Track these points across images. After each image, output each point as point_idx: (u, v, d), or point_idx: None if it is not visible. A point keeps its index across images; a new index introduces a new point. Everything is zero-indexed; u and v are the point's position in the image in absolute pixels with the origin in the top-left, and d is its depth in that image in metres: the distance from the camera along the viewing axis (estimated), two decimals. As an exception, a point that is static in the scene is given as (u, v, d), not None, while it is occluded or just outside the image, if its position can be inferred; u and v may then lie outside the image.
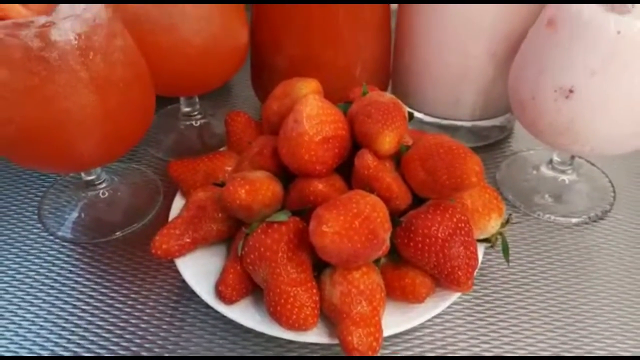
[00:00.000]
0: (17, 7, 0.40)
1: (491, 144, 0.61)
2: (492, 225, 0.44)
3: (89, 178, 0.53)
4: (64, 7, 0.41)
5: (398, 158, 0.43)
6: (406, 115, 0.43)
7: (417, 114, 0.61)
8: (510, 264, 0.49)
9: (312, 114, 0.41)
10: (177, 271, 0.44)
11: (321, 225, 0.35)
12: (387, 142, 0.40)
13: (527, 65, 0.48)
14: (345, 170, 0.43)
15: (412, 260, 0.40)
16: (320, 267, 0.40)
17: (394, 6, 0.58)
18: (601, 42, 0.42)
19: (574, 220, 0.53)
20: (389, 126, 0.40)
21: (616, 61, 0.42)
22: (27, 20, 0.39)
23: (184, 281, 0.43)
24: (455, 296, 0.42)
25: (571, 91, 0.44)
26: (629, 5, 0.43)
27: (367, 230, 0.36)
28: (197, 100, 0.62)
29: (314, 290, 0.39)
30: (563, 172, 0.55)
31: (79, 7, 0.41)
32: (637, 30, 0.41)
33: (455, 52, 0.54)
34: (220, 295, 0.41)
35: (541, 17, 0.47)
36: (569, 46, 0.44)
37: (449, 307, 0.42)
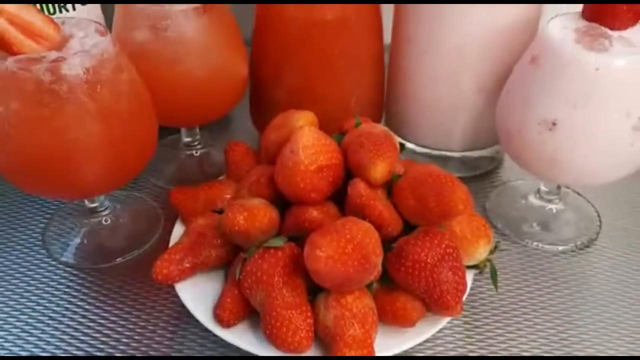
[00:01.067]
0: (30, 43, 0.42)
1: (481, 174, 0.63)
2: (481, 252, 0.46)
3: (92, 205, 0.55)
4: (74, 43, 0.44)
5: (390, 187, 0.44)
6: (397, 145, 0.45)
7: (409, 145, 0.63)
8: (500, 290, 0.50)
9: (307, 144, 0.43)
10: (176, 296, 0.45)
11: (315, 250, 0.37)
12: (379, 171, 0.42)
13: (513, 100, 0.51)
14: (339, 198, 0.45)
15: (403, 284, 0.42)
16: (315, 291, 0.42)
17: (387, 41, 0.61)
18: (581, 78, 0.45)
19: (561, 248, 0.54)
20: (381, 156, 0.42)
21: (595, 96, 0.45)
22: (40, 55, 0.42)
23: (183, 305, 0.44)
24: (445, 320, 0.43)
25: (554, 124, 0.47)
26: (607, 43, 0.45)
27: (360, 255, 0.38)
28: (197, 131, 0.64)
29: (309, 314, 0.41)
30: (550, 201, 0.57)
31: (89, 43, 0.44)
32: (614, 67, 0.44)
33: (446, 86, 0.57)
34: (218, 318, 0.43)
35: (526, 55, 0.50)
36: (551, 82, 0.46)
37: (439, 331, 0.43)
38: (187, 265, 0.45)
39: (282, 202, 0.46)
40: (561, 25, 0.48)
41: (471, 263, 0.46)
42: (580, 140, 0.46)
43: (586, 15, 0.48)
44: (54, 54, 0.42)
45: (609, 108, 0.45)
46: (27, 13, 0.42)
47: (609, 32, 0.46)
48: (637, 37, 0.46)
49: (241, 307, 0.43)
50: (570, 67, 0.45)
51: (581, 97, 0.45)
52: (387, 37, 0.61)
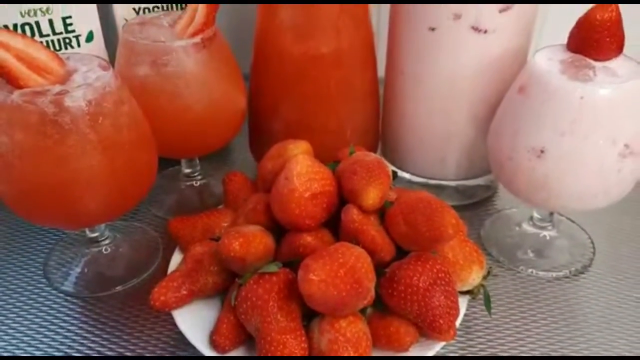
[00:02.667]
0: (36, 77, 0.44)
1: (476, 202, 0.64)
2: (474, 278, 0.47)
3: (93, 235, 0.56)
4: (78, 77, 0.45)
5: (382, 213, 0.46)
6: (390, 173, 0.46)
7: (405, 174, 0.64)
8: (494, 315, 0.51)
9: (302, 172, 0.44)
10: (173, 323, 0.46)
11: (308, 273, 0.38)
12: (371, 197, 0.43)
13: (503, 128, 0.52)
14: (334, 224, 0.46)
15: (396, 309, 0.42)
16: (309, 316, 0.43)
17: (381, 73, 0.63)
18: (567, 107, 0.46)
19: (555, 274, 0.55)
20: (373, 182, 0.43)
21: (581, 124, 0.46)
22: (44, 89, 0.44)
23: (180, 332, 0.45)
24: (439, 345, 0.44)
25: (542, 151, 0.48)
26: (591, 74, 0.47)
27: (352, 279, 0.39)
28: (197, 162, 0.65)
29: (303, 338, 0.41)
30: (543, 228, 0.58)
31: (92, 77, 0.45)
32: (598, 96, 0.45)
33: (439, 116, 0.58)
34: (214, 344, 0.43)
35: (514, 85, 0.51)
36: (538, 111, 0.48)
37: (433, 356, 0.44)
38: (184, 292, 0.46)
39: (278, 229, 0.47)
40: (547, 56, 0.49)
41: (465, 288, 0.47)
42: (568, 167, 0.47)
43: (571, 47, 0.50)
44: (57, 87, 0.44)
45: (595, 135, 0.46)
46: (33, 49, 0.44)
47: (593, 62, 0.48)
48: (620, 68, 0.48)
49: (237, 332, 0.43)
50: (557, 97, 0.47)
51: (567, 125, 0.46)
52: (382, 70, 0.63)
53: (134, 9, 0.63)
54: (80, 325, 0.50)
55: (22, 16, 0.55)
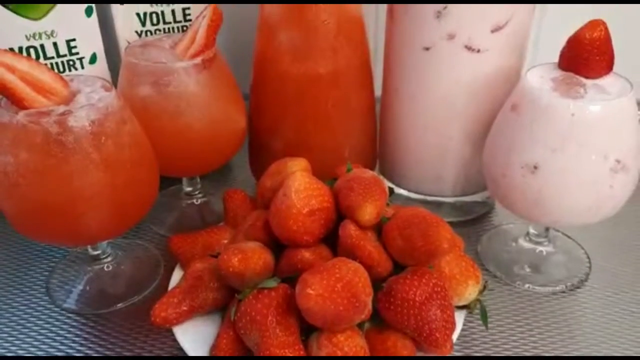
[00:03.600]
0: (40, 98, 0.45)
1: (474, 218, 0.65)
2: (470, 292, 0.47)
3: (95, 252, 0.56)
4: (81, 98, 0.47)
5: (379, 229, 0.46)
6: (386, 189, 0.47)
7: (403, 191, 0.65)
8: (492, 330, 0.51)
9: (300, 188, 0.45)
10: (174, 339, 0.47)
11: (306, 288, 0.39)
12: (368, 212, 0.44)
13: (497, 145, 0.53)
14: (332, 241, 0.47)
15: (393, 323, 0.43)
16: (308, 332, 0.43)
17: (378, 93, 0.64)
18: (559, 124, 0.47)
19: (552, 289, 0.55)
20: (370, 198, 0.44)
21: (573, 140, 0.47)
22: (49, 109, 0.45)
23: (180, 348, 0.46)
24: (436, 360, 0.44)
25: (536, 167, 0.49)
26: (582, 91, 0.48)
27: (349, 293, 0.40)
28: (198, 180, 0.66)
29: (302, 353, 0.42)
30: (540, 243, 0.59)
31: (95, 98, 0.47)
32: (589, 112, 0.46)
33: (434, 133, 0.60)
34: (214, 359, 0.44)
35: (507, 103, 0.52)
36: (531, 127, 0.49)
37: (432, 356, 0.44)
38: (185, 308, 0.47)
39: (277, 246, 0.47)
40: (539, 74, 0.51)
41: (461, 303, 0.48)
42: (561, 182, 0.48)
43: (562, 66, 0.51)
44: (62, 108, 0.45)
45: (587, 151, 0.47)
46: (38, 71, 0.45)
47: (584, 80, 0.49)
48: (611, 86, 0.49)
49: (236, 348, 0.44)
50: (548, 113, 0.48)
51: (559, 141, 0.47)
52: (379, 89, 0.64)
53: (136, 31, 0.65)
54: (82, 342, 0.51)
55: (27, 39, 0.57)
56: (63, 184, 0.45)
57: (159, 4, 0.65)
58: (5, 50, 0.44)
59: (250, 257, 0.44)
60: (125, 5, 0.63)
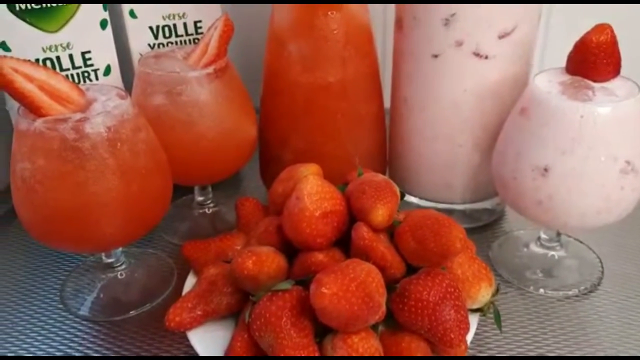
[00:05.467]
0: (57, 106, 0.46)
1: (484, 225, 0.65)
2: (483, 295, 0.47)
3: (109, 260, 0.57)
4: (97, 106, 0.48)
5: (392, 231, 0.47)
6: (397, 192, 0.48)
7: (413, 199, 0.65)
8: (506, 334, 0.51)
9: (312, 191, 0.45)
10: (188, 345, 0.47)
11: (320, 287, 0.39)
12: (380, 214, 0.44)
13: (506, 149, 0.53)
14: (344, 244, 0.47)
15: (407, 324, 0.43)
16: (322, 334, 0.43)
17: (387, 104, 0.65)
18: (567, 126, 0.48)
19: (564, 293, 0.55)
20: (381, 201, 0.45)
21: (582, 142, 0.47)
22: (66, 116, 0.46)
23: (194, 354, 0.46)
24: (451, 362, 0.44)
25: (546, 170, 0.49)
26: (590, 94, 0.48)
27: (363, 293, 0.40)
28: (210, 189, 0.67)
29: (316, 354, 0.42)
30: (551, 248, 0.59)
31: (110, 105, 0.48)
32: (598, 114, 0.47)
33: (443, 141, 0.60)
34: (228, 363, 0.44)
35: (516, 107, 0.53)
36: (540, 130, 0.49)
37: (440, 357, 0.44)
38: (199, 312, 0.47)
39: (290, 250, 0.48)
40: (547, 79, 0.51)
41: (475, 306, 0.48)
42: (571, 184, 0.49)
43: (570, 70, 0.51)
44: (78, 115, 0.46)
45: (596, 153, 0.47)
46: (55, 80, 0.46)
47: (592, 83, 0.50)
48: (618, 88, 0.49)
49: (251, 351, 0.44)
50: (557, 116, 0.48)
51: (569, 143, 0.48)
52: (387, 99, 0.65)
53: (149, 44, 0.66)
54: (96, 348, 0.51)
55: (44, 51, 0.58)
56: (79, 189, 0.46)
57: (171, 19, 0.66)
58: (24, 60, 0.45)
59: (264, 260, 0.45)
60: (138, 18, 0.64)
